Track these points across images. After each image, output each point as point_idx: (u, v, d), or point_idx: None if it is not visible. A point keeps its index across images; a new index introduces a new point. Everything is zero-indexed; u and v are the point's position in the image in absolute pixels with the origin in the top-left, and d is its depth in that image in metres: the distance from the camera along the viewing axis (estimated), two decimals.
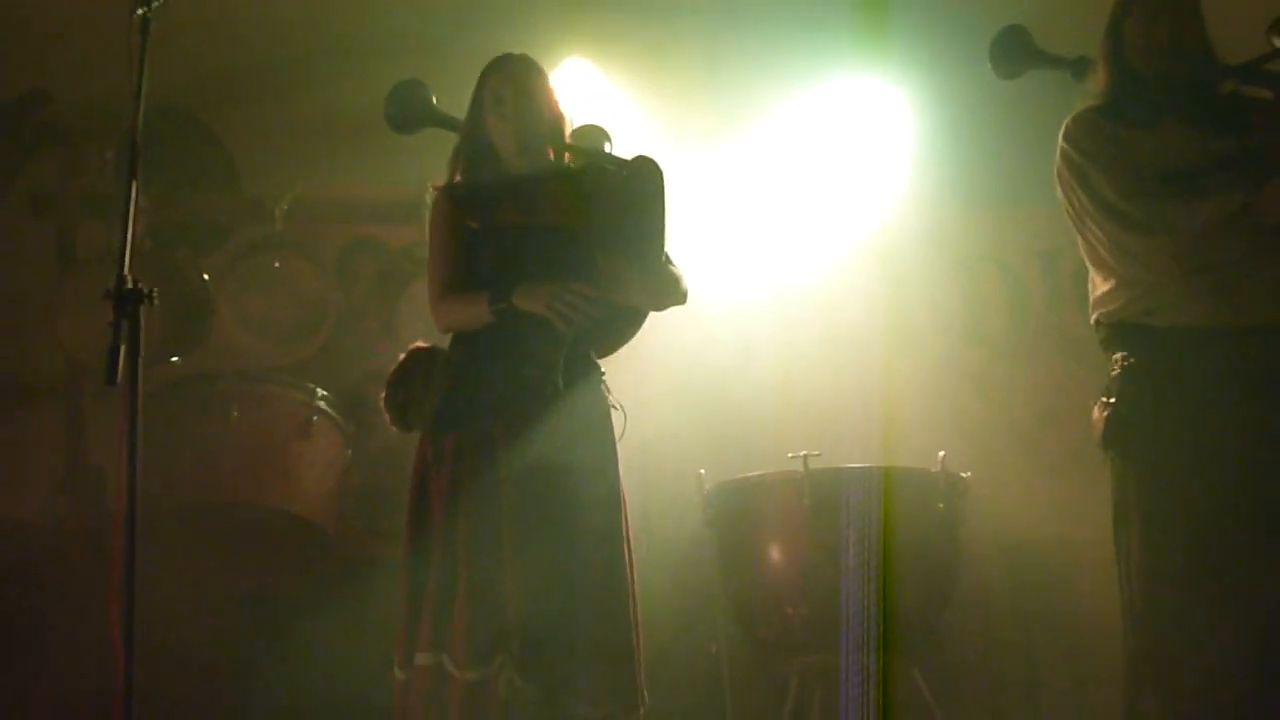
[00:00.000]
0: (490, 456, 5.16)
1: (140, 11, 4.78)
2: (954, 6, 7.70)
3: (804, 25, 7.76)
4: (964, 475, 6.53)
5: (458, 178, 5.46)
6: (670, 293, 5.37)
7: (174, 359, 6.97)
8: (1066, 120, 5.45)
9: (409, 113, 5.68)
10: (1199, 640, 5.07)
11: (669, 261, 5.37)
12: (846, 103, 7.92)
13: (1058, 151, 5.43)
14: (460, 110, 5.53)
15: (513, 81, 5.39)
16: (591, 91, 7.52)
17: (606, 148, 5.64)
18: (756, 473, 6.57)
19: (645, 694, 5.19)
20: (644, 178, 5.26)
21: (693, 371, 7.19)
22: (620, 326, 5.42)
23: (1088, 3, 6.82)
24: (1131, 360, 5.31)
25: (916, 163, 7.87)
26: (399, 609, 5.23)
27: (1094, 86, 5.49)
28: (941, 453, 6.49)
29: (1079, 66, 5.63)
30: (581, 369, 5.33)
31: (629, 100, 7.60)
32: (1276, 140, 5.25)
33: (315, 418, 6.92)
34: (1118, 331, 5.37)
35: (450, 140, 5.53)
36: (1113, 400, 5.32)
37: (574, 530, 5.19)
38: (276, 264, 7.36)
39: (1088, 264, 5.49)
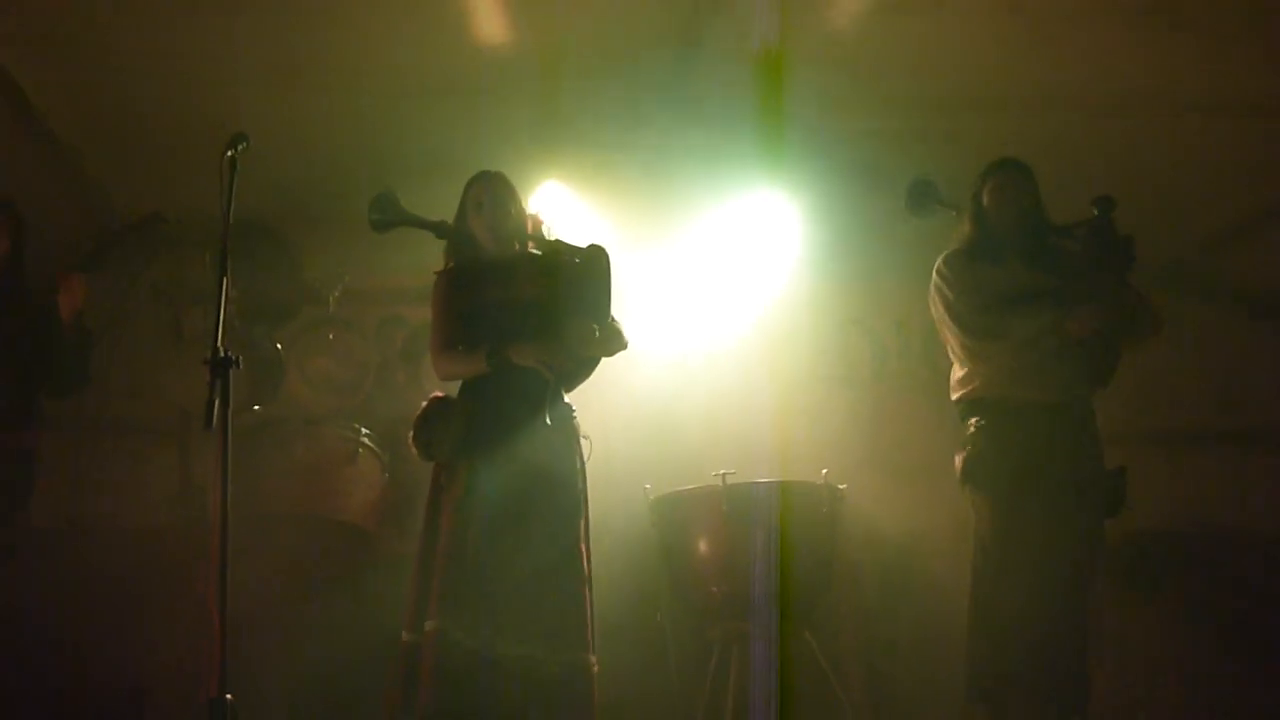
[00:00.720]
0: (493, 478, 5.27)
1: (229, 154, 4.94)
2: (830, 141, 7.77)
3: (719, 156, 7.81)
4: (841, 487, 6.59)
5: (450, 263, 5.64)
6: (617, 341, 5.51)
7: (255, 407, 6.99)
8: (939, 259, 5.96)
9: (384, 216, 5.69)
10: (1028, 599, 5.60)
11: (614, 320, 5.50)
12: (751, 210, 7.92)
13: (931, 280, 5.94)
14: (451, 210, 5.72)
15: (487, 191, 5.62)
16: (563, 204, 7.58)
17: (544, 229, 5.76)
18: (688, 487, 6.61)
19: (596, 646, 5.31)
20: (597, 259, 5.49)
21: (640, 411, 7.24)
22: (583, 370, 5.55)
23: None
24: (981, 423, 5.84)
25: (803, 252, 7.92)
26: (409, 589, 5.36)
27: (960, 233, 5.99)
28: (824, 470, 6.56)
29: (960, 207, 6.05)
30: (559, 408, 5.44)
31: (591, 211, 7.62)
32: (1080, 280, 5.76)
33: (360, 450, 6.96)
34: (972, 405, 5.90)
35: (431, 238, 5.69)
36: (968, 450, 5.84)
37: (548, 530, 5.35)
38: (331, 336, 7.42)
39: (951, 357, 5.99)
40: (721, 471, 6.43)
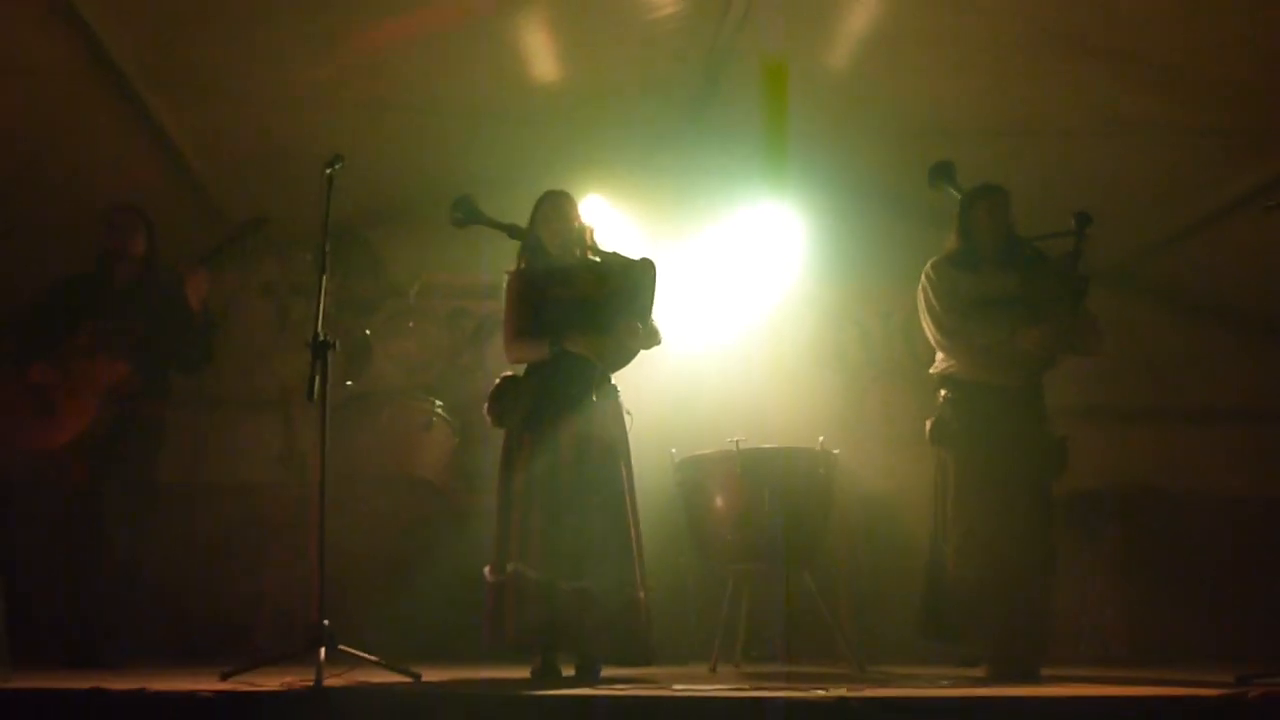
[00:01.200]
0: (554, 444, 5.41)
1: (328, 171, 5.00)
2: (828, 164, 7.81)
3: (732, 174, 7.91)
4: (835, 452, 6.55)
5: (523, 265, 5.68)
6: (654, 338, 5.62)
7: (348, 383, 7.00)
8: (928, 264, 6.03)
9: (464, 216, 5.81)
10: (986, 537, 5.73)
11: (653, 320, 5.60)
12: (760, 220, 7.97)
13: (920, 281, 6.02)
14: (512, 216, 5.78)
15: (554, 207, 5.66)
16: (604, 213, 7.60)
17: (596, 239, 5.80)
18: (707, 451, 6.57)
19: (645, 580, 5.45)
20: (646, 269, 5.59)
21: (668, 388, 7.21)
22: (626, 359, 5.61)
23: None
24: (949, 395, 5.95)
25: (803, 256, 7.96)
26: (494, 537, 5.47)
27: (948, 244, 6.06)
28: (821, 437, 6.53)
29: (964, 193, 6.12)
30: (605, 388, 5.57)
31: (626, 219, 7.65)
32: (1039, 285, 5.87)
33: (434, 418, 6.99)
34: (944, 380, 6.00)
35: (496, 239, 5.79)
36: (937, 415, 5.95)
37: (598, 488, 5.44)
38: (410, 324, 7.45)
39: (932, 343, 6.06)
40: (735, 439, 6.41)
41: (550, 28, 6.81)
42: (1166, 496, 7.79)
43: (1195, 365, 8.37)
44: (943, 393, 5.98)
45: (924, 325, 6.03)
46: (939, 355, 6.04)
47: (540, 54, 7.04)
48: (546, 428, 5.45)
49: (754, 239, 8.01)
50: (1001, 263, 5.94)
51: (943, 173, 6.22)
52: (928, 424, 5.95)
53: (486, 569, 5.41)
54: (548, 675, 5.33)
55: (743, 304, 8.09)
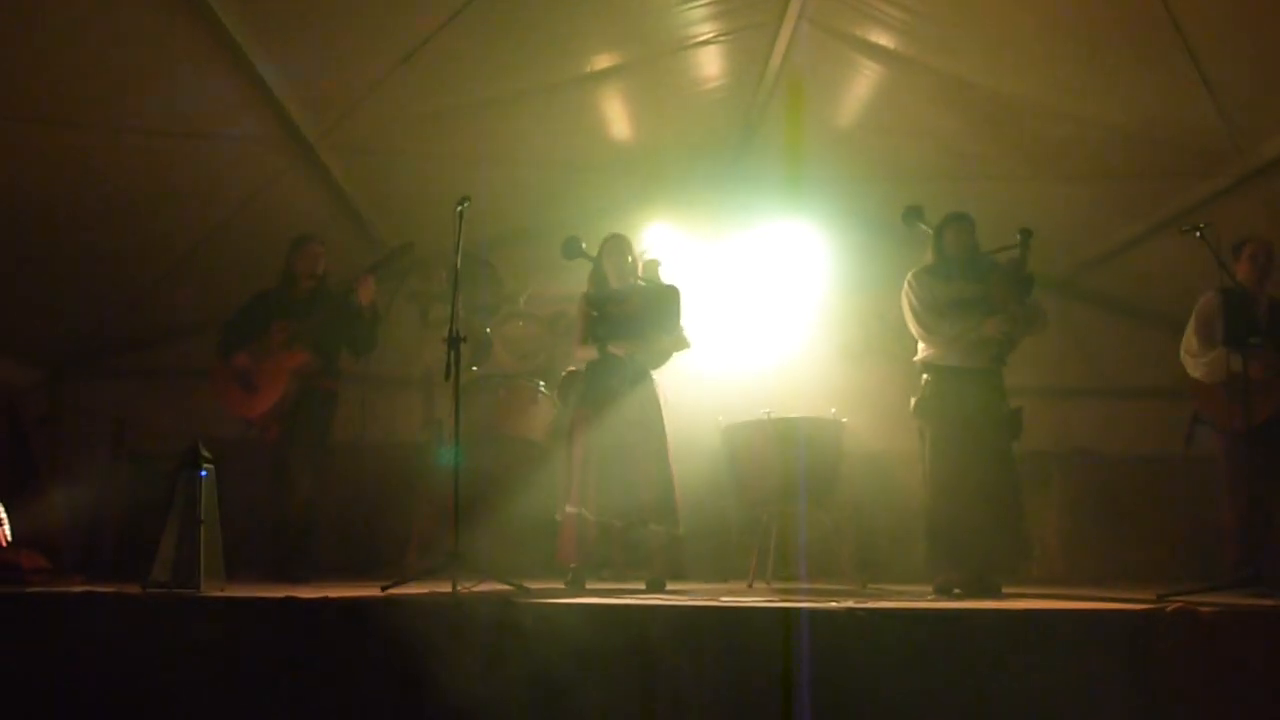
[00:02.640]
0: (602, 417, 5.58)
1: (459, 209, 4.96)
2: (835, 197, 7.75)
3: (765, 205, 7.83)
4: (843, 420, 6.53)
5: (590, 288, 5.88)
6: (681, 345, 5.81)
7: (474, 368, 7.00)
8: (909, 274, 5.86)
9: (571, 251, 5.96)
10: (956, 494, 5.59)
11: (681, 330, 5.80)
12: (784, 234, 7.93)
13: (903, 288, 5.85)
14: (597, 243, 5.93)
15: (615, 246, 5.84)
16: (668, 236, 7.69)
17: (656, 267, 6.05)
18: (746, 419, 6.55)
19: (679, 519, 5.59)
20: (671, 294, 5.79)
21: (717, 371, 7.18)
22: (660, 359, 5.81)
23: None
24: (929, 379, 5.78)
25: (820, 272, 7.92)
26: (559, 486, 5.68)
27: (925, 259, 5.88)
28: (832, 409, 6.50)
29: (932, 228, 5.94)
30: (643, 379, 5.74)
31: (685, 239, 7.65)
32: (996, 288, 5.72)
33: (539, 394, 6.96)
34: (926, 366, 5.83)
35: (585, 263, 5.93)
36: (919, 395, 5.79)
37: (638, 452, 5.60)
38: (520, 323, 7.41)
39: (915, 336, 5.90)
40: (767, 410, 6.40)
41: (625, 99, 6.82)
42: (1097, 455, 7.72)
43: (1120, 354, 8.24)
44: (924, 376, 5.82)
45: (908, 322, 5.86)
46: (920, 345, 5.86)
47: (617, 119, 7.04)
48: (594, 409, 5.62)
49: (782, 258, 7.93)
50: (967, 273, 5.78)
51: (913, 213, 6.12)
52: (912, 401, 5.79)
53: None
54: (576, 585, 5.46)
55: (774, 307, 7.99)
